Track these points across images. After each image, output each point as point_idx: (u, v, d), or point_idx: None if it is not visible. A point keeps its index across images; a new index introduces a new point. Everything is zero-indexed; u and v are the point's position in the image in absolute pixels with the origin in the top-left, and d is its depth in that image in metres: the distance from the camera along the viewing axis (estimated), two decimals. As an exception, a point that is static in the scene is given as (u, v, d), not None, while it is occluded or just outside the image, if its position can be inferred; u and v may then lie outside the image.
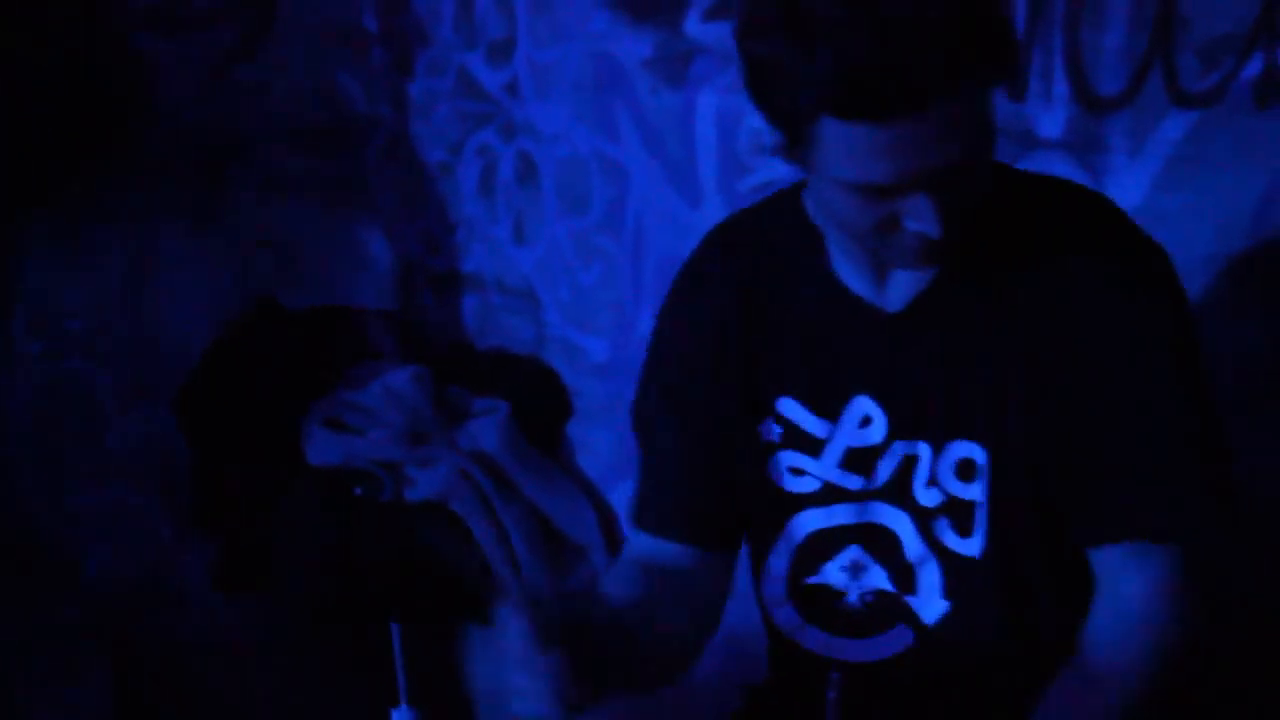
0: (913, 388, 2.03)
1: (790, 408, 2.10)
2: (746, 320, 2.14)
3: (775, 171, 2.95)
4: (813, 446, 2.09)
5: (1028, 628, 2.04)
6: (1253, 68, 2.43)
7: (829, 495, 2.10)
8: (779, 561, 2.16)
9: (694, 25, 3.08)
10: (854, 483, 2.08)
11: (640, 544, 2.22)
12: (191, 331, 3.49)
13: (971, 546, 2.04)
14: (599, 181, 3.30)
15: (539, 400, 3.40)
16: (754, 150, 3.03)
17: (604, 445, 3.39)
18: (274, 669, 3.67)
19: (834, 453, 2.08)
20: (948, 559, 2.06)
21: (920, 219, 1.82)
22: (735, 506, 2.18)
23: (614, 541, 3.30)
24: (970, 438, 2.01)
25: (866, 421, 2.06)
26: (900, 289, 2.02)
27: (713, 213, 3.06)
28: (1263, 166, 2.45)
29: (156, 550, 3.77)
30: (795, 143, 1.84)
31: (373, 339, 3.50)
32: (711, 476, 2.17)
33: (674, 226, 3.19)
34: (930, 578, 2.07)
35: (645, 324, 3.22)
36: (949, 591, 2.06)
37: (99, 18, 3.57)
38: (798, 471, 2.11)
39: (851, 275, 2.04)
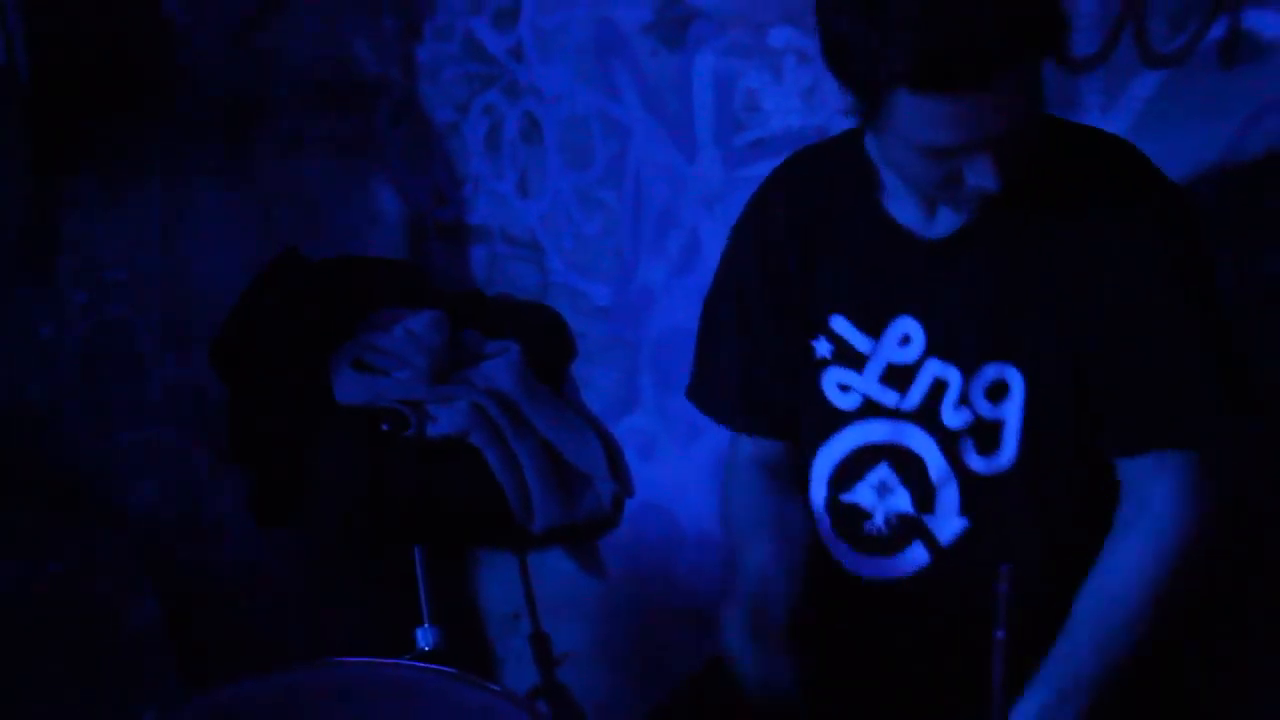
0: (950, 310, 2.10)
1: (841, 324, 2.20)
2: (805, 244, 2.24)
3: (769, 128, 3.00)
4: (857, 361, 2.19)
5: (1045, 544, 2.08)
6: (1217, 30, 2.43)
7: (868, 410, 2.18)
8: (821, 472, 2.24)
9: None
10: (890, 398, 2.16)
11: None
12: (222, 280, 3.46)
13: (995, 464, 2.09)
14: (600, 138, 3.27)
15: (546, 342, 3.38)
16: (748, 108, 3.02)
17: (607, 382, 3.39)
18: (305, 594, 3.68)
19: (875, 368, 2.17)
20: (967, 478, 2.12)
21: (982, 176, 1.94)
22: (786, 410, 2.30)
23: (617, 470, 3.31)
24: (1004, 360, 2.07)
25: (906, 340, 2.15)
26: (945, 221, 2.11)
27: (708, 167, 3.10)
28: (1227, 121, 2.45)
29: (194, 485, 3.76)
30: (869, 108, 1.93)
31: (388, 286, 3.46)
32: (767, 378, 2.29)
33: (671, 180, 3.18)
34: (949, 497, 2.13)
35: (644, 270, 3.26)
36: (965, 509, 2.12)
37: None
38: (844, 388, 2.19)
39: (901, 210, 2.15)
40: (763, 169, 2.93)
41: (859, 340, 2.20)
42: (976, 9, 1.82)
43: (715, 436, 3.12)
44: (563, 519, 3.24)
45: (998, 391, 2.09)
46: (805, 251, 2.24)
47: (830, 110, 2.84)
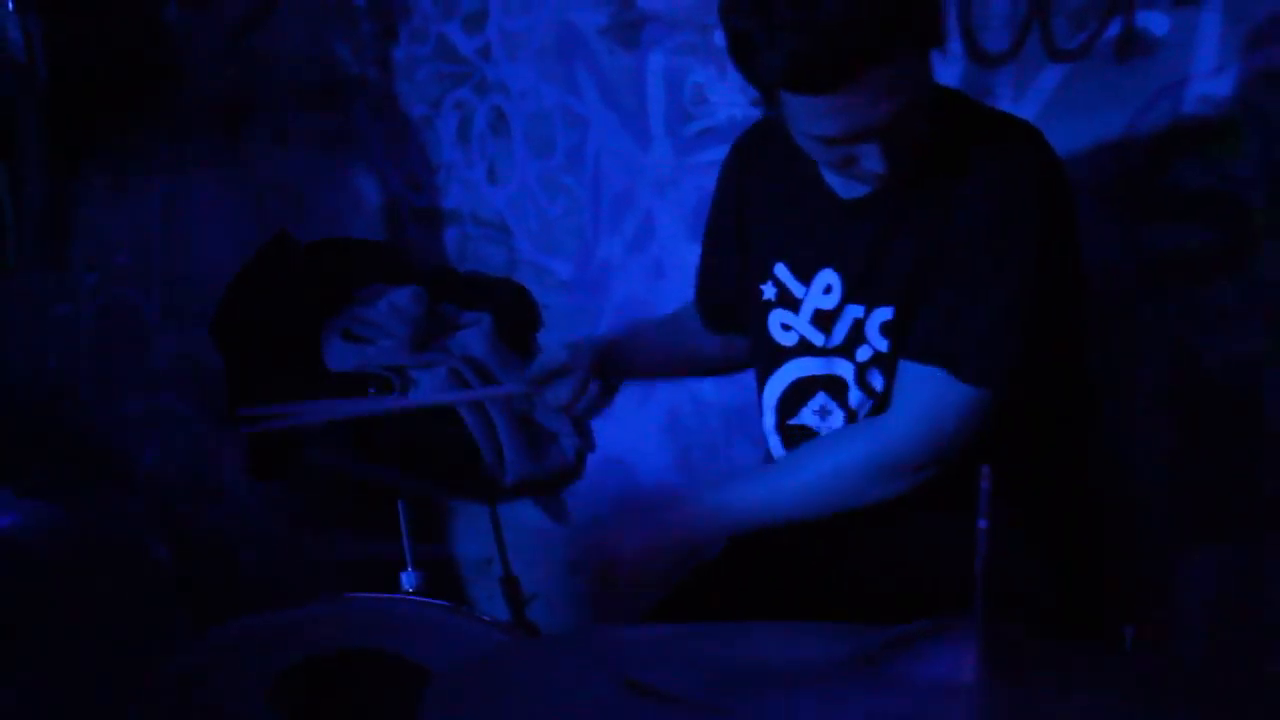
0: (857, 262, 2.18)
1: (782, 271, 2.28)
2: (758, 199, 2.34)
3: (715, 119, 3.11)
4: (795, 305, 2.27)
5: None
6: (1113, 29, 2.58)
7: (804, 348, 2.27)
8: (770, 400, 2.33)
9: None
10: (819, 339, 2.25)
11: None
12: (218, 262, 3.50)
13: None
14: (562, 130, 3.36)
15: (515, 313, 3.45)
16: (696, 102, 3.12)
17: None
18: (299, 545, 3.75)
19: (807, 312, 2.25)
20: (880, 400, 2.21)
21: (871, 160, 2.01)
22: (728, 314, 2.48)
23: (580, 427, 3.35)
24: (887, 302, 2.16)
25: (828, 289, 2.23)
26: (853, 184, 2.18)
27: (661, 154, 3.21)
28: (1123, 109, 2.59)
29: (195, 446, 3.81)
30: (767, 100, 2.03)
31: (371, 265, 3.53)
32: (731, 297, 2.42)
33: (627, 166, 3.28)
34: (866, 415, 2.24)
35: (603, 248, 3.37)
36: None
37: None
38: (786, 327, 2.28)
39: (829, 173, 2.20)
40: (710, 155, 3.07)
41: (795, 287, 2.27)
42: (842, 13, 1.86)
43: (668, 395, 3.24)
44: (531, 472, 3.31)
45: (887, 328, 2.17)
46: (758, 206, 2.34)
47: (771, 103, 3.03)
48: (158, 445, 3.79)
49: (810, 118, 1.97)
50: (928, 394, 2.09)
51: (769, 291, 2.30)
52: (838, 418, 2.26)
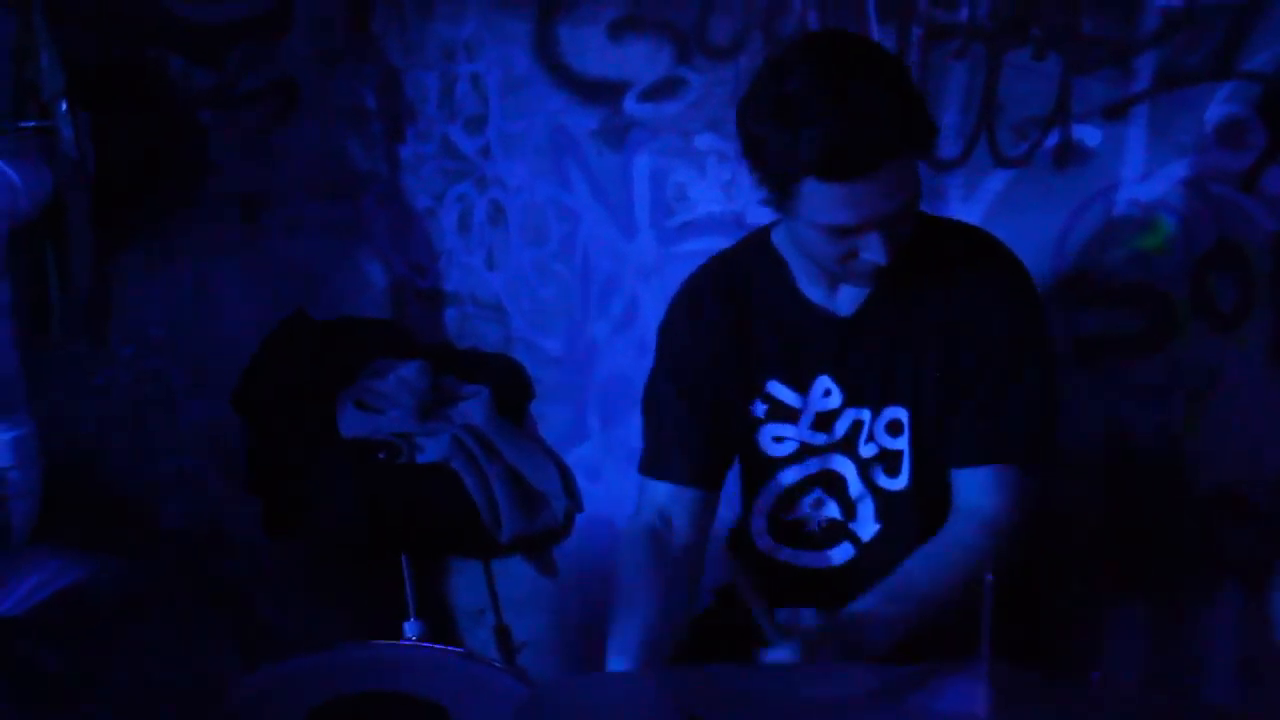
0: (858, 369, 2.24)
1: (775, 387, 2.28)
2: (738, 326, 2.28)
3: (695, 213, 3.17)
4: (791, 415, 2.28)
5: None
6: (1052, 139, 2.66)
7: (803, 453, 2.29)
8: (763, 505, 2.36)
9: (631, 104, 3.21)
10: (819, 439, 2.28)
11: (654, 492, 2.32)
12: (241, 337, 3.53)
13: (898, 483, 2.26)
14: (555, 221, 3.42)
15: (510, 386, 3.48)
16: (678, 198, 3.18)
17: (560, 418, 3.51)
18: (308, 599, 3.74)
19: (807, 418, 2.28)
20: (879, 494, 2.28)
21: (873, 251, 2.05)
22: (725, 459, 2.35)
23: (570, 490, 3.39)
24: (897, 403, 2.22)
25: (828, 393, 2.26)
26: (848, 300, 2.23)
27: (646, 244, 3.26)
28: (1061, 210, 2.67)
29: (215, 507, 3.79)
30: (780, 196, 2.05)
31: (379, 341, 3.56)
32: (709, 439, 2.31)
33: (614, 254, 3.33)
34: (867, 509, 2.29)
35: (591, 327, 3.42)
36: (879, 516, 2.29)
37: (173, 98, 3.61)
38: (779, 439, 2.30)
39: (811, 290, 2.25)
40: (691, 246, 3.14)
41: (791, 398, 2.28)
42: (867, 111, 1.94)
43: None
44: (525, 530, 3.33)
45: (895, 428, 2.24)
46: (739, 332, 2.29)
47: (745, 200, 3.05)
48: (182, 503, 3.78)
49: (829, 208, 2.01)
50: (1005, 489, 2.16)
51: (759, 410, 2.30)
52: (831, 508, 2.31)
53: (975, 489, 2.19)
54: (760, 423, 2.30)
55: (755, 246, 2.33)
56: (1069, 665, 2.54)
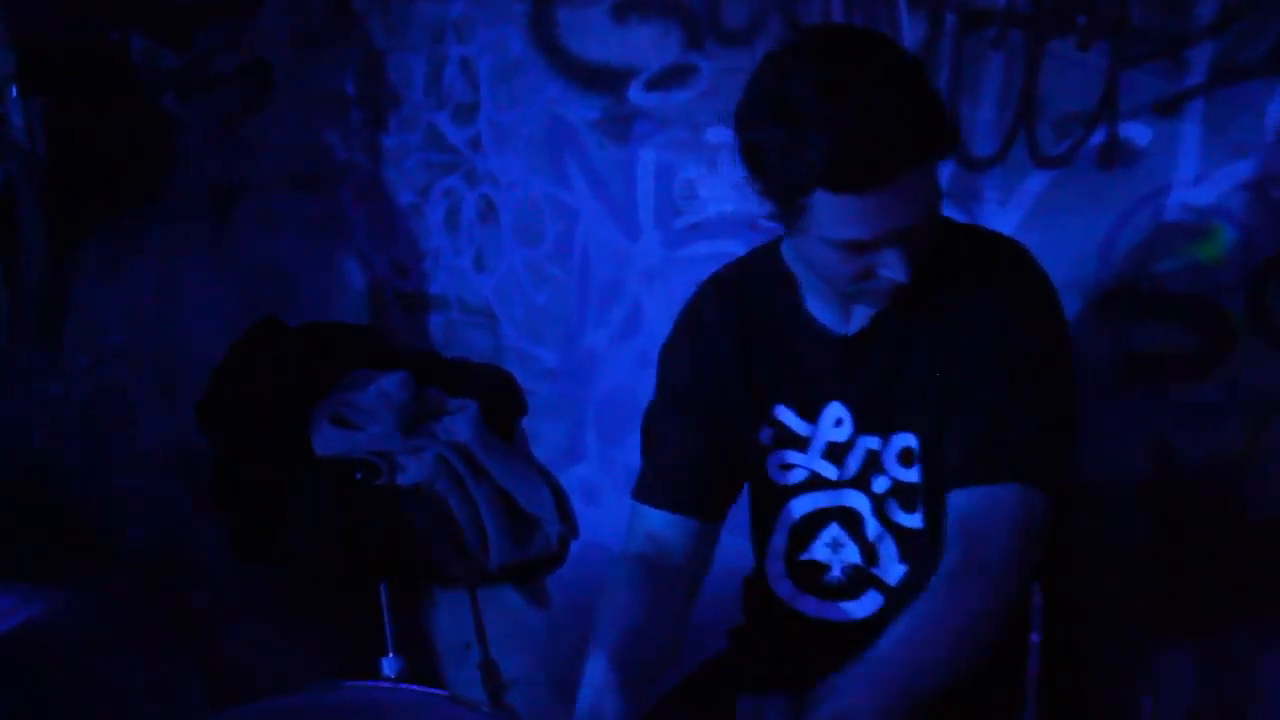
0: (866, 393, 2.18)
1: (783, 413, 2.24)
2: (743, 349, 2.26)
3: (704, 214, 3.14)
4: (800, 443, 2.24)
5: None
6: (1097, 137, 2.62)
7: (814, 483, 2.25)
8: (779, 541, 2.30)
9: (636, 93, 3.17)
10: (831, 472, 2.23)
11: (648, 519, 2.29)
12: (207, 344, 3.52)
13: (914, 520, 2.19)
14: (551, 220, 3.38)
15: (500, 399, 3.46)
16: (686, 197, 3.15)
17: (555, 436, 3.47)
18: (279, 632, 3.73)
19: (817, 447, 2.23)
20: (899, 532, 2.21)
21: (892, 268, 1.99)
22: (728, 489, 2.31)
23: (565, 514, 3.39)
24: (907, 429, 2.16)
25: (839, 422, 2.21)
26: (855, 318, 2.17)
27: (650, 246, 3.23)
28: (1106, 214, 2.64)
29: (178, 530, 3.79)
30: (789, 211, 1.98)
31: (358, 349, 3.53)
32: (712, 466, 2.27)
33: (616, 257, 3.29)
34: (889, 549, 2.22)
35: (590, 336, 3.39)
36: (904, 557, 2.21)
37: (135, 82, 3.59)
38: (787, 466, 2.26)
39: (819, 309, 2.20)
40: (699, 249, 3.12)
41: (799, 425, 2.25)
42: (882, 115, 1.87)
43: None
44: (515, 557, 3.33)
45: (906, 457, 2.18)
46: (744, 355, 2.27)
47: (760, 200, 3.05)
48: (143, 524, 3.78)
49: (842, 221, 1.95)
50: (1014, 510, 2.04)
51: (766, 436, 2.27)
52: (851, 551, 2.25)
53: (968, 514, 2.06)
54: (768, 450, 2.27)
55: (763, 260, 2.29)
56: (1115, 711, 2.50)
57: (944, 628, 1.98)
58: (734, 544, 2.41)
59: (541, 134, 3.35)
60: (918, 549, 2.20)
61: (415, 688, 2.38)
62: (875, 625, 2.15)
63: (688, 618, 2.26)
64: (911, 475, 2.18)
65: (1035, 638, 1.39)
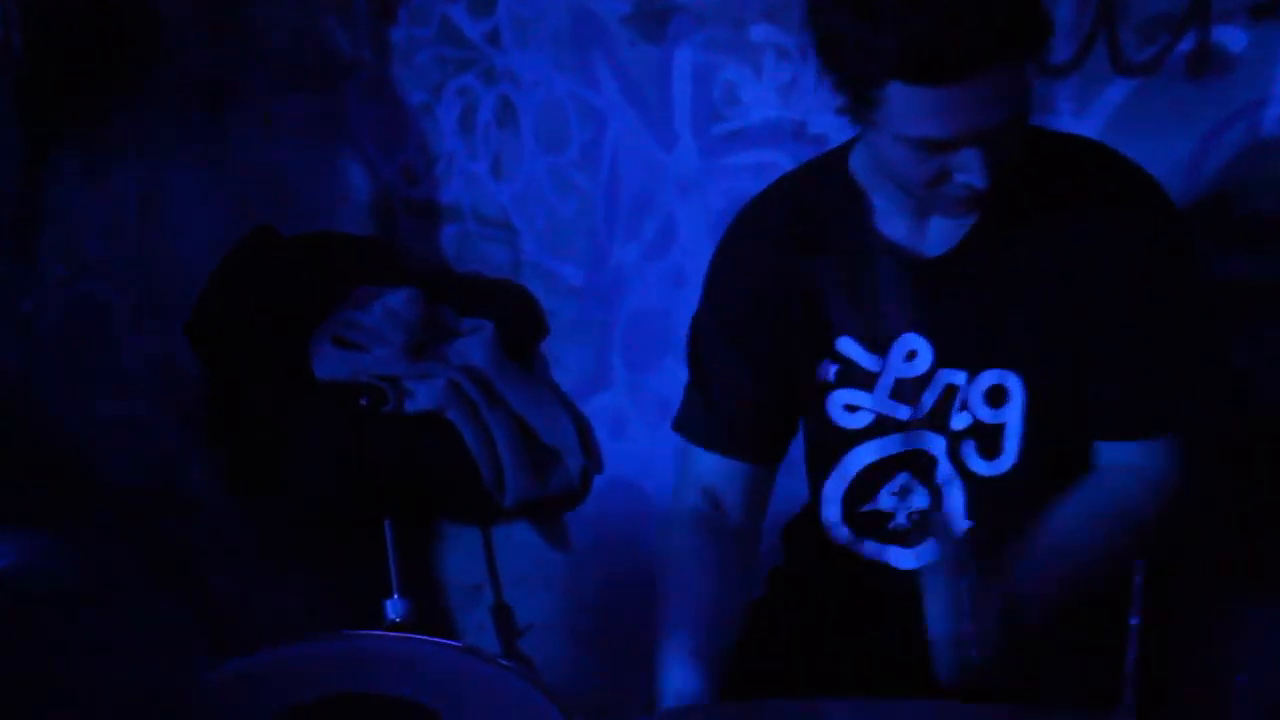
0: (951, 323, 2.18)
1: (848, 346, 2.24)
2: (804, 272, 2.24)
3: (747, 120, 3.13)
4: (866, 381, 2.23)
5: None
6: (1186, 43, 2.60)
7: (881, 427, 2.24)
8: (835, 490, 2.30)
9: None
10: (902, 413, 2.23)
11: (701, 465, 2.33)
12: (197, 256, 3.53)
13: (996, 467, 2.19)
14: (576, 124, 3.38)
15: (518, 320, 3.48)
16: (727, 101, 3.14)
17: (578, 361, 3.49)
18: (276, 571, 3.74)
19: (885, 385, 2.23)
20: (970, 481, 2.21)
21: (969, 172, 1.99)
22: (788, 428, 2.33)
23: (587, 446, 3.43)
24: (1003, 366, 2.16)
25: (912, 355, 2.21)
26: (939, 237, 2.17)
27: (686, 156, 3.23)
28: (1194, 129, 2.62)
29: (166, 462, 3.81)
30: (860, 103, 1.99)
31: (362, 263, 3.56)
32: (771, 405, 2.29)
33: (648, 167, 3.29)
34: (954, 498, 2.22)
35: (618, 252, 3.41)
36: (970, 511, 2.22)
37: None
38: (852, 408, 2.25)
39: (893, 227, 2.20)
40: (740, 159, 3.12)
41: (867, 360, 2.25)
42: (965, 2, 1.88)
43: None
44: (533, 493, 3.37)
45: (996, 396, 2.18)
46: (805, 279, 2.26)
47: (808, 105, 3.03)
48: (126, 455, 3.80)
49: (918, 116, 1.96)
50: (1165, 463, 2.12)
51: (828, 372, 2.27)
52: (920, 496, 2.25)
53: (1127, 455, 2.14)
54: (830, 388, 2.27)
55: (827, 171, 2.29)
56: (1208, 669, 2.53)
57: (1116, 528, 2.07)
58: (780, 483, 2.44)
59: (567, 28, 3.34)
60: (987, 504, 2.21)
61: (425, 638, 2.40)
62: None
63: (755, 572, 2.33)
64: (1000, 416, 2.18)
65: (1134, 620, 1.41)
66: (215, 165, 3.77)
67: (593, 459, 3.42)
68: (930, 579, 1.95)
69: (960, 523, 2.23)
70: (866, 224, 2.22)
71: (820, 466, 2.33)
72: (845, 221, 2.24)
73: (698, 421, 2.34)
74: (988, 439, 2.20)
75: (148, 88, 3.68)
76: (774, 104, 3.09)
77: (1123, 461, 2.15)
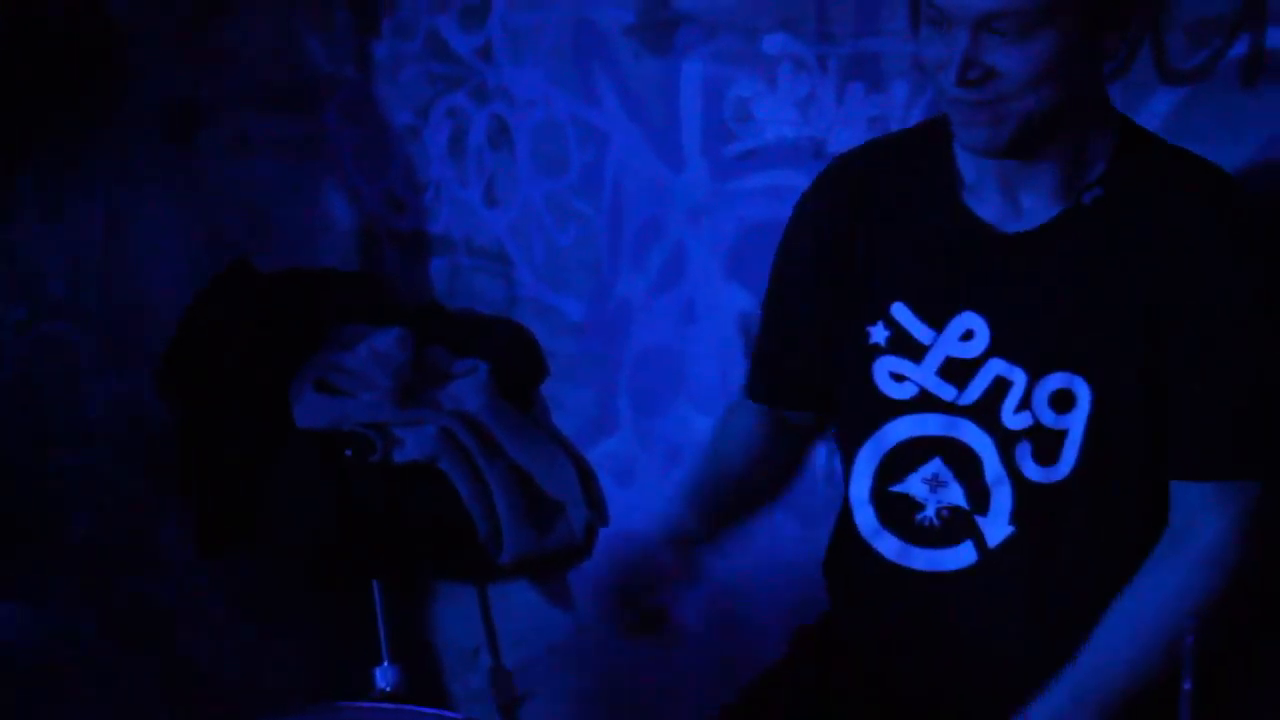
0: (1019, 310, 2.21)
1: (901, 312, 2.30)
2: (871, 229, 2.35)
3: (761, 139, 3.12)
4: (916, 351, 2.29)
5: (1093, 561, 2.21)
6: (1239, 47, 2.57)
7: (923, 403, 2.29)
8: (867, 462, 2.34)
9: None
10: (947, 393, 2.26)
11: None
12: (167, 293, 3.54)
13: (1051, 474, 2.20)
14: (576, 145, 3.39)
15: (515, 360, 3.49)
16: (739, 119, 3.14)
17: (581, 403, 3.50)
18: (253, 636, 3.75)
19: (934, 360, 2.27)
20: (1021, 485, 2.22)
21: (952, 48, 2.08)
22: (817, 386, 2.45)
23: (591, 496, 3.41)
24: (1073, 370, 2.17)
25: (969, 335, 2.24)
26: (1028, 216, 2.21)
27: (696, 178, 3.22)
28: (1247, 141, 2.59)
29: (135, 516, 3.80)
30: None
31: (347, 300, 3.55)
32: (813, 356, 2.42)
33: (655, 191, 3.30)
34: (1002, 500, 2.23)
35: (623, 285, 3.40)
36: (1016, 516, 2.23)
37: None
38: (898, 378, 2.30)
39: (982, 204, 2.25)
40: (755, 181, 3.11)
41: (919, 330, 2.30)
42: None
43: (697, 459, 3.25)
44: (533, 548, 3.36)
45: (1062, 401, 2.20)
46: (870, 236, 2.35)
47: (828, 122, 3.02)
48: (91, 510, 3.80)
49: None
50: (1233, 507, 2.13)
51: (878, 335, 2.31)
52: (953, 492, 2.27)
53: (1193, 506, 2.15)
54: (878, 352, 2.32)
55: (920, 139, 2.38)
56: None
57: (1164, 629, 2.11)
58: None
59: (566, 41, 3.35)
60: (1037, 514, 2.22)
61: (418, 709, 2.40)
62: (957, 583, 2.27)
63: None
64: (1064, 423, 2.19)
65: (1187, 684, 1.38)
66: (186, 193, 3.78)
67: (597, 510, 3.41)
68: None
69: (1003, 528, 2.24)
70: (953, 193, 2.27)
71: (857, 435, 2.36)
72: (929, 186, 2.31)
73: (748, 377, 2.59)
74: (1047, 443, 2.21)
75: (112, 110, 3.69)
76: (791, 121, 3.08)
77: (1183, 506, 2.16)
